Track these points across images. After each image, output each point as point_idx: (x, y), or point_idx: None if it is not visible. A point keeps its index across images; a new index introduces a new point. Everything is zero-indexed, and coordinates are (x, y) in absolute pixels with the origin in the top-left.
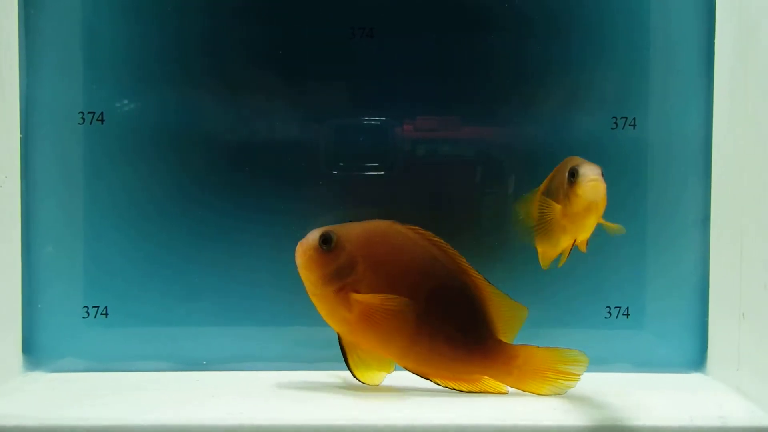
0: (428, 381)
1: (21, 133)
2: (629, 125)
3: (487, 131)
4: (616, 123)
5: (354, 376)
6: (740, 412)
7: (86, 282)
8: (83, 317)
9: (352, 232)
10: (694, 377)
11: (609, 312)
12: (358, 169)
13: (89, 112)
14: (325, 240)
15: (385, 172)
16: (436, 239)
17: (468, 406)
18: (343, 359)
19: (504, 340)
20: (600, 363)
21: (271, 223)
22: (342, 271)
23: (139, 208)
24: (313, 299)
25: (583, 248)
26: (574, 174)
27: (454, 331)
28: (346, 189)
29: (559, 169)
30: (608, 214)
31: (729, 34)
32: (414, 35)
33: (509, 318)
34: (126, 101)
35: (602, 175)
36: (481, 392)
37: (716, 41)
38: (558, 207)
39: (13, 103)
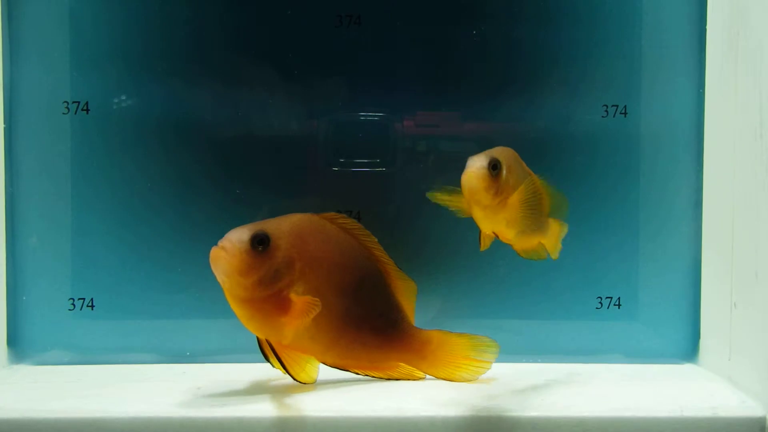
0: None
1: (4, 123)
2: (620, 113)
3: (476, 121)
4: (606, 111)
5: (296, 380)
6: (732, 402)
7: (72, 274)
8: (69, 309)
9: (282, 229)
10: (686, 368)
11: (600, 302)
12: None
13: (74, 102)
14: (261, 240)
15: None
16: (349, 225)
17: (456, 397)
18: (278, 365)
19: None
20: (591, 354)
21: (256, 217)
22: (280, 272)
23: (126, 199)
24: (244, 306)
25: (484, 244)
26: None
27: (376, 318)
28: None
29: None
30: (598, 203)
31: (720, 21)
32: (403, 22)
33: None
34: (112, 91)
35: (492, 166)
36: (399, 378)
37: (707, 27)
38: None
39: None
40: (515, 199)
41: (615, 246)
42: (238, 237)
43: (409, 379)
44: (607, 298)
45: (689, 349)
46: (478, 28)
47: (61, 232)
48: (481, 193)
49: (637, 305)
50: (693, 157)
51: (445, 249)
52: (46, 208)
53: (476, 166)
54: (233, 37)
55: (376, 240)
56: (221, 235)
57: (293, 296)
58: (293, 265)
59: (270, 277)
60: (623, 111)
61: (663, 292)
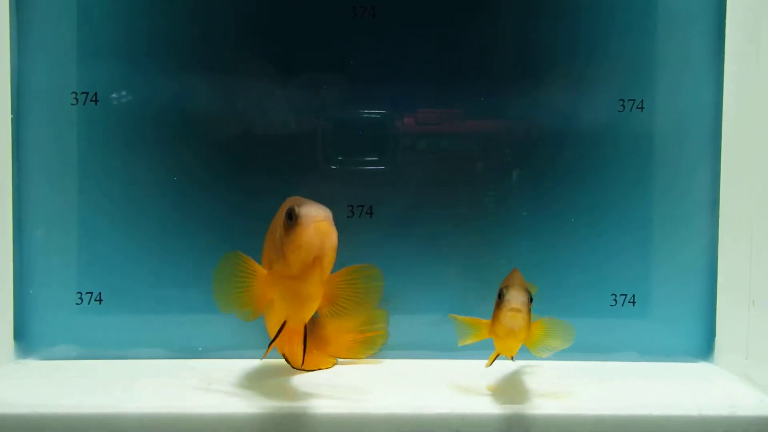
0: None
1: (12, 114)
2: (637, 108)
3: (492, 114)
4: (623, 105)
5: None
6: (750, 400)
7: (80, 267)
8: (77, 303)
9: None
10: (701, 366)
11: (615, 300)
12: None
13: (82, 93)
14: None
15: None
16: None
17: (472, 395)
18: (299, 349)
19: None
20: (605, 351)
21: (266, 210)
22: None
23: (134, 191)
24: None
25: (511, 357)
26: (501, 296)
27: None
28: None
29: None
30: (613, 199)
31: (740, 12)
32: (417, 15)
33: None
34: (121, 82)
35: (530, 301)
36: (309, 370)
37: (727, 19)
38: (486, 323)
39: (4, 82)
40: None
41: (630, 243)
42: (330, 214)
43: (320, 369)
44: (621, 295)
45: (704, 348)
46: (493, 23)
47: (69, 225)
48: (523, 331)
49: (652, 303)
50: (711, 152)
51: (453, 248)
52: (55, 201)
53: (522, 301)
54: (242, 28)
55: None
56: (230, 231)
57: None
58: None
59: None
60: (640, 105)
61: (678, 289)
